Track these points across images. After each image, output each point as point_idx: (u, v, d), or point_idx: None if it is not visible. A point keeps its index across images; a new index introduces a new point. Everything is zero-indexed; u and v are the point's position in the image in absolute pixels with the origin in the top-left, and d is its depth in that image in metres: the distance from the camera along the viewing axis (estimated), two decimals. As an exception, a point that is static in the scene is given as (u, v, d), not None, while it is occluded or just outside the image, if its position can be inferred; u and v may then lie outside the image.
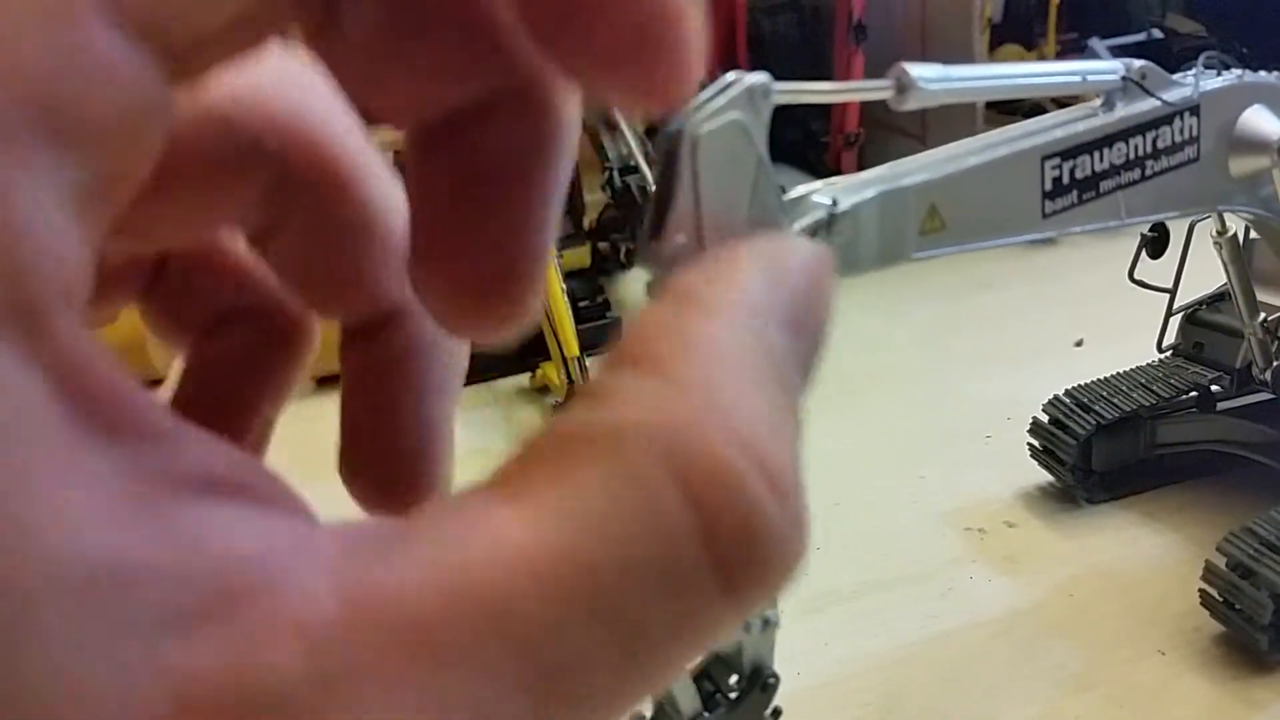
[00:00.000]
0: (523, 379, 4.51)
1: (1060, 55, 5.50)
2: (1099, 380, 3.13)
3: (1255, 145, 2.22)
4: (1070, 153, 1.99)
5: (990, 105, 5.64)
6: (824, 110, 5.34)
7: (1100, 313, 3.14)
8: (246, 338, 0.39)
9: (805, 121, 5.93)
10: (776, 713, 2.10)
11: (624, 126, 4.59)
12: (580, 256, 4.65)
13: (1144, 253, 2.78)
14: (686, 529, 0.22)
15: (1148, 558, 2.83)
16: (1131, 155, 2.08)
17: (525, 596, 0.20)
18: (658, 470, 0.22)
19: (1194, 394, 2.95)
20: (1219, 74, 2.23)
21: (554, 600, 0.20)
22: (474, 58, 0.30)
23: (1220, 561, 2.41)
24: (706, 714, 1.99)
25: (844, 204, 1.89)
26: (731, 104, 1.66)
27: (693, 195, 1.63)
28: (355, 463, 0.38)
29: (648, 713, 2.02)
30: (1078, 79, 1.98)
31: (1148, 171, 2.11)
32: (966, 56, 5.11)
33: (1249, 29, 5.58)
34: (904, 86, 1.86)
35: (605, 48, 0.27)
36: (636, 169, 4.36)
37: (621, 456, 0.22)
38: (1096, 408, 3.01)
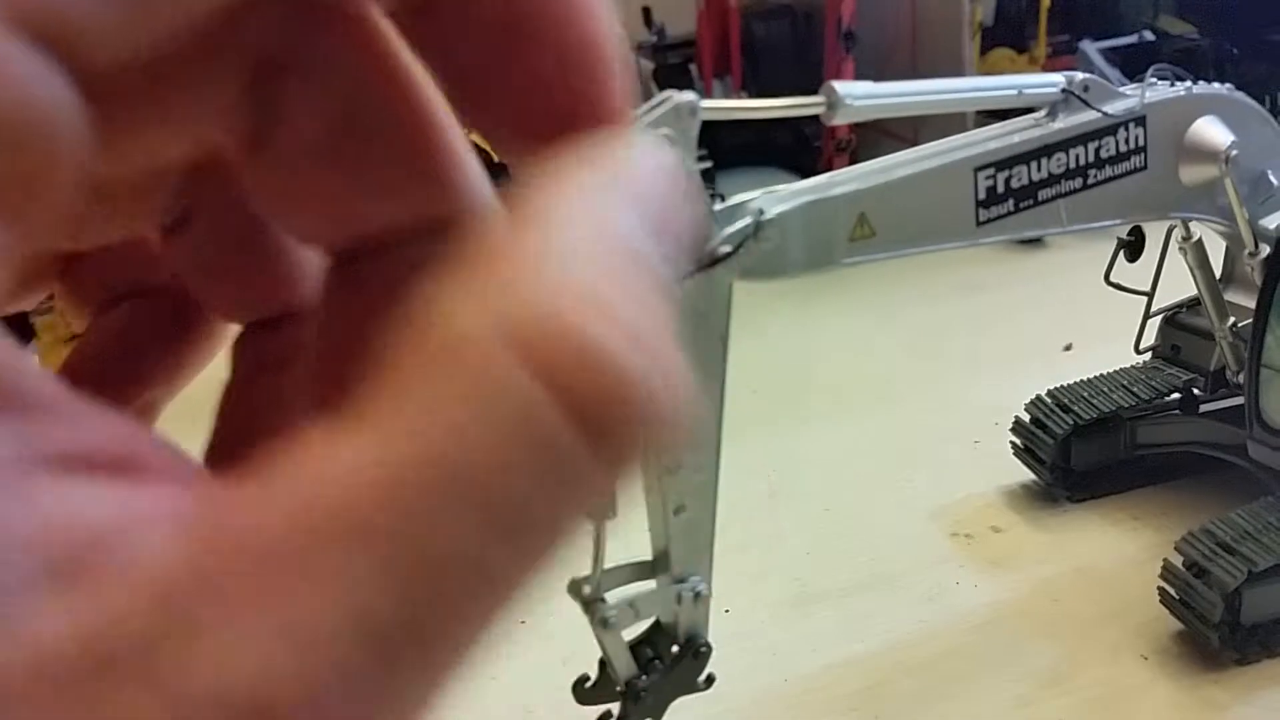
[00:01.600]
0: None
1: (1051, 58, 5.52)
2: (1081, 381, 3.17)
3: (1204, 154, 2.27)
4: (1005, 163, 2.06)
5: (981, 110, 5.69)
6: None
7: (1090, 316, 3.18)
8: (139, 316, 0.38)
9: (799, 126, 6.00)
10: (710, 679, 2.18)
11: None
12: None
13: (1122, 256, 2.82)
14: (538, 399, 0.21)
15: (1130, 558, 2.87)
16: (1072, 165, 2.15)
17: (379, 505, 0.20)
18: (496, 351, 0.21)
19: (1174, 396, 2.98)
20: (1172, 84, 2.29)
21: (414, 501, 0.20)
22: (411, 179, 0.29)
23: (1178, 560, 2.46)
24: (643, 677, 2.09)
25: (770, 212, 1.98)
26: (659, 121, 1.78)
27: None
28: (220, 455, 0.37)
29: (593, 674, 2.12)
30: (1013, 93, 2.06)
31: (1090, 180, 2.18)
32: (956, 61, 5.16)
33: (1240, 30, 5.59)
34: (833, 104, 1.94)
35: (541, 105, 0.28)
36: None
37: (459, 352, 0.21)
38: (1076, 408, 3.05)
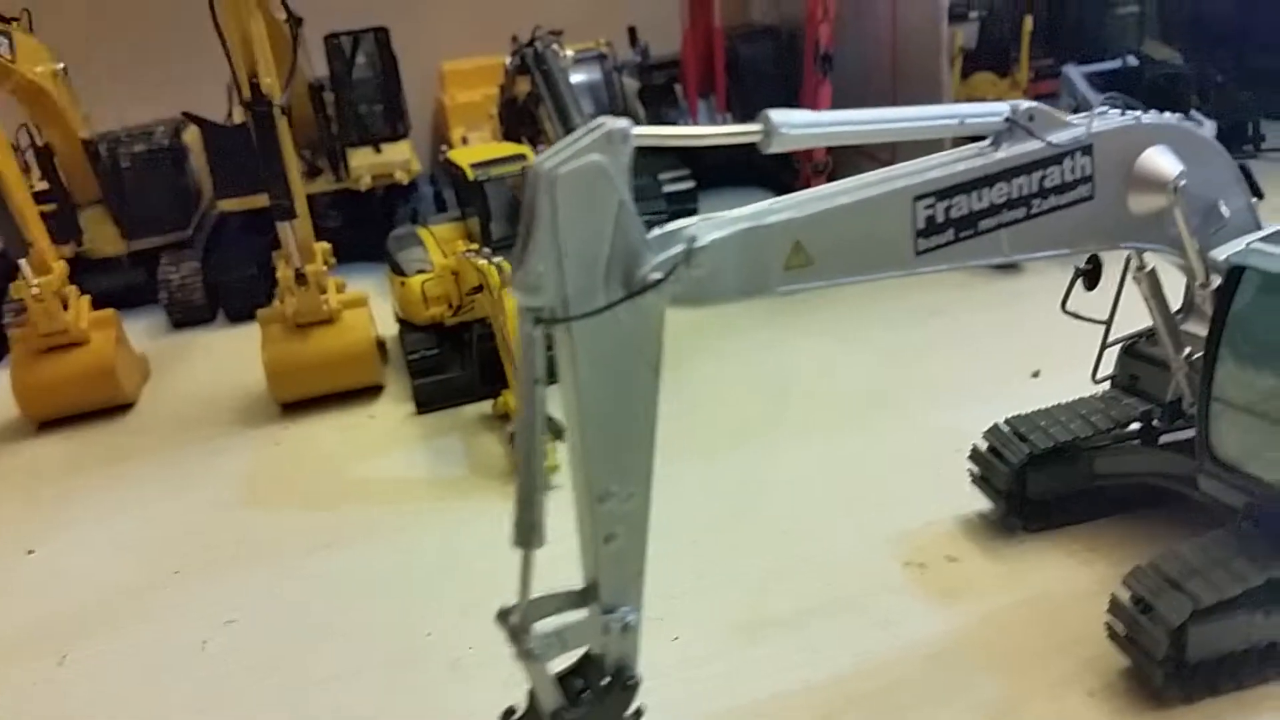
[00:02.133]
0: (484, 406, 4.60)
1: (1035, 81, 5.52)
2: (1039, 410, 3.16)
3: (1153, 184, 2.27)
4: (945, 193, 2.05)
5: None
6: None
7: (1059, 343, 3.16)
8: None
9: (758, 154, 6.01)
10: (638, 713, 2.16)
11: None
12: None
13: (1080, 284, 2.81)
14: None
15: (1081, 591, 2.85)
16: (1015, 194, 2.15)
17: None
18: None
19: (1133, 426, 2.97)
20: (1123, 113, 2.28)
21: None
22: None
23: (1125, 596, 2.44)
24: (570, 710, 2.05)
25: (703, 240, 1.97)
26: (591, 147, 1.78)
27: (552, 230, 1.75)
28: None
29: (521, 706, 2.10)
30: (954, 122, 2.05)
31: (1034, 210, 2.18)
32: (935, 85, 5.16)
33: (1224, 56, 5.58)
34: (768, 132, 1.93)
35: None
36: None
37: None
38: (1031, 437, 3.04)
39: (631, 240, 1.80)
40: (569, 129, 4.80)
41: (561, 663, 2.09)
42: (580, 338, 1.80)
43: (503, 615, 2.01)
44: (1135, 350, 2.98)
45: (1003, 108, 2.09)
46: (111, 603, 3.56)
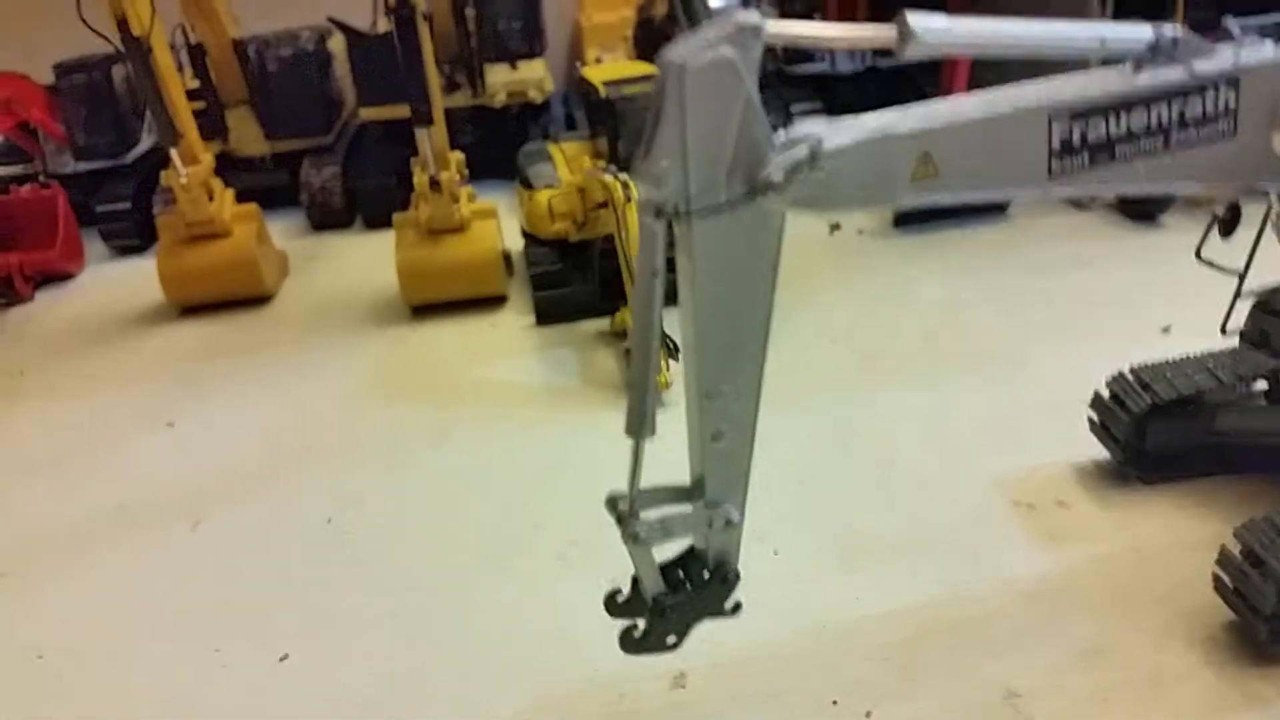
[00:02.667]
0: (602, 322, 4.69)
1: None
2: (1166, 361, 3.08)
3: (1302, 126, 2.16)
4: (1082, 114, 2.01)
5: None
6: (937, 74, 5.27)
7: (1193, 299, 3.06)
8: None
9: (920, 84, 5.88)
10: (737, 606, 2.22)
11: None
12: None
13: (1215, 232, 2.73)
14: None
15: (1191, 544, 2.79)
16: (1154, 123, 2.09)
17: None
18: None
19: (1260, 384, 2.88)
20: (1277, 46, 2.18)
21: None
22: None
23: (1235, 548, 2.39)
24: (671, 595, 2.14)
25: (829, 144, 1.97)
26: (722, 40, 1.80)
27: (679, 124, 1.79)
28: None
29: (625, 587, 2.18)
30: (1097, 42, 2.00)
31: (1172, 141, 2.12)
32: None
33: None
34: (904, 35, 1.91)
35: None
36: None
37: None
38: (1155, 387, 2.97)
39: (756, 139, 1.81)
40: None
41: (665, 555, 2.17)
42: (700, 233, 1.83)
43: (611, 502, 2.09)
44: (1269, 305, 2.87)
45: (1147, 31, 2.03)
46: (243, 476, 3.80)
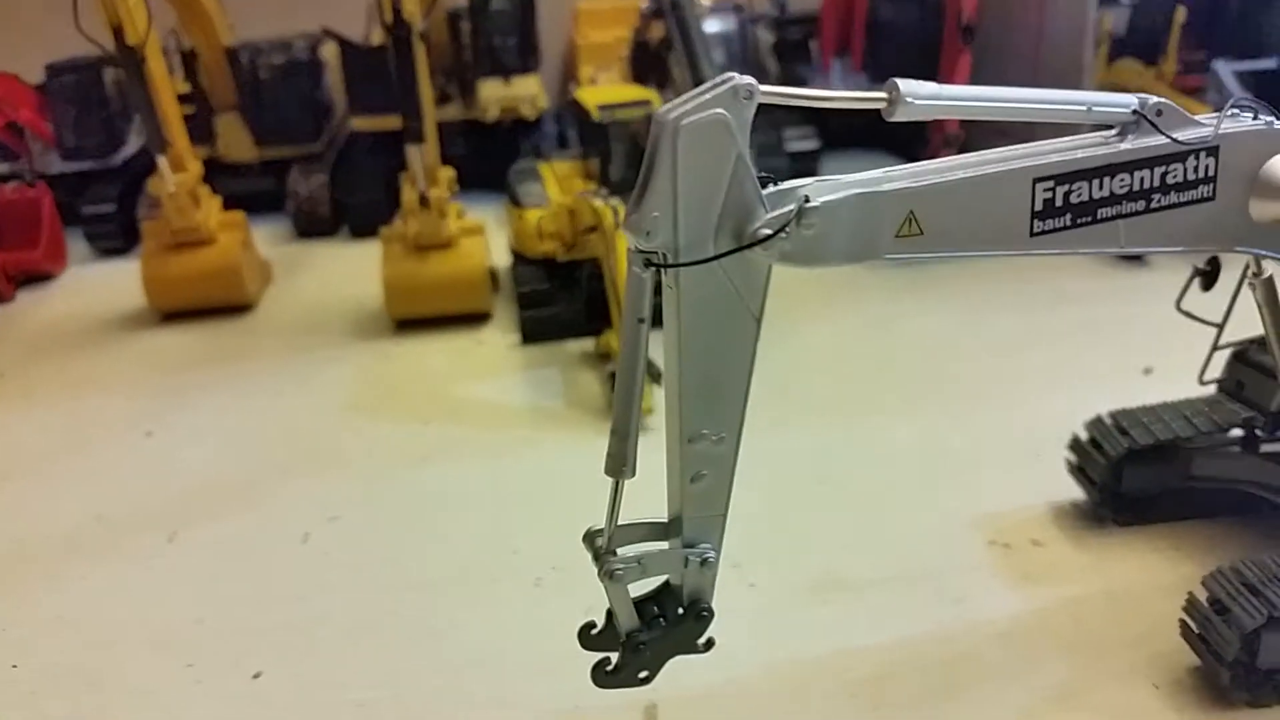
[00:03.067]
0: (588, 343, 4.71)
1: (1182, 74, 5.34)
2: (1144, 406, 3.12)
3: (1276, 192, 2.20)
4: (1066, 178, 2.04)
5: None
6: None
7: (1176, 341, 3.11)
8: None
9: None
10: (710, 642, 2.25)
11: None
12: None
13: (1196, 284, 2.76)
14: None
15: (1163, 587, 2.83)
16: (1136, 186, 2.13)
17: None
18: None
19: (1235, 431, 2.92)
20: (1255, 117, 2.22)
21: None
22: None
23: (1202, 595, 2.43)
24: (645, 631, 2.17)
25: (816, 200, 2.01)
26: (716, 101, 1.85)
27: (671, 178, 1.84)
28: None
29: (600, 619, 2.20)
30: (1083, 109, 2.04)
31: (1154, 204, 2.16)
32: (1077, 68, 5.04)
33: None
34: (893, 100, 1.96)
35: None
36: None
37: None
38: (1133, 432, 3.01)
39: (746, 195, 1.85)
40: (698, 79, 4.82)
41: (641, 589, 2.20)
42: (686, 284, 1.87)
43: (589, 537, 2.12)
44: (1245, 356, 2.92)
45: (1132, 100, 2.07)
46: (221, 489, 3.79)
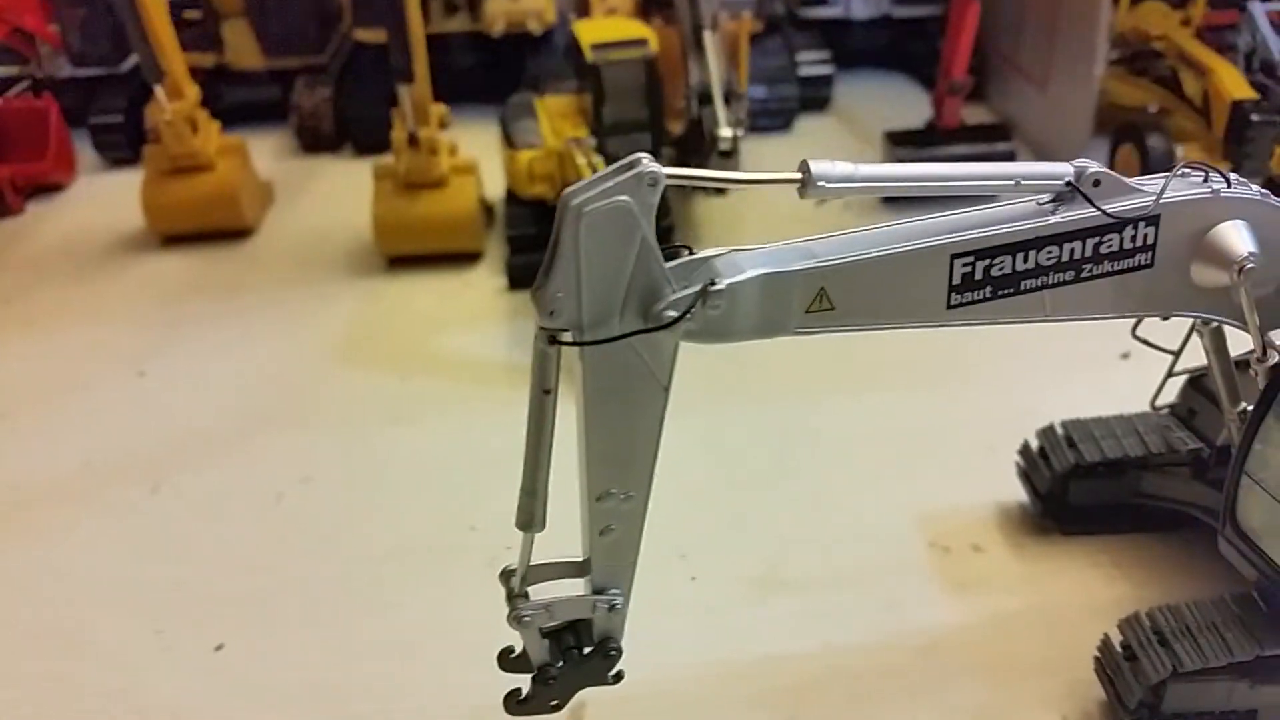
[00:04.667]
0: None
1: (1210, 16, 5.09)
2: (1096, 418, 3.12)
3: (1220, 261, 2.16)
4: (988, 252, 2.01)
5: (1117, 62, 5.33)
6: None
7: (1155, 327, 3.08)
8: None
9: (933, 37, 5.74)
10: (619, 675, 2.34)
11: (710, 52, 4.59)
12: None
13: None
14: None
15: (1095, 608, 2.87)
16: (1066, 258, 2.10)
17: None
18: None
19: (1186, 453, 2.92)
20: (1205, 180, 2.16)
21: None
22: None
23: (1116, 639, 2.48)
24: (556, 665, 2.26)
25: (721, 283, 2.02)
26: (619, 188, 1.87)
27: (574, 260, 1.88)
28: None
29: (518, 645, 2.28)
30: (1010, 183, 1.99)
31: (1084, 274, 2.13)
32: (1094, 14, 4.82)
33: None
34: (805, 181, 1.94)
35: None
36: (710, 100, 4.39)
37: None
38: (1082, 447, 3.02)
39: (652, 275, 1.85)
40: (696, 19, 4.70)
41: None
42: (591, 361, 1.89)
43: (504, 575, 2.20)
44: (1201, 384, 2.89)
45: (1066, 170, 2.01)
46: (204, 438, 3.87)
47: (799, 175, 1.87)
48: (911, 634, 2.86)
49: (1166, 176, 2.11)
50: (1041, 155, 5.31)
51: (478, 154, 5.19)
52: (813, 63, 6.27)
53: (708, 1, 4.69)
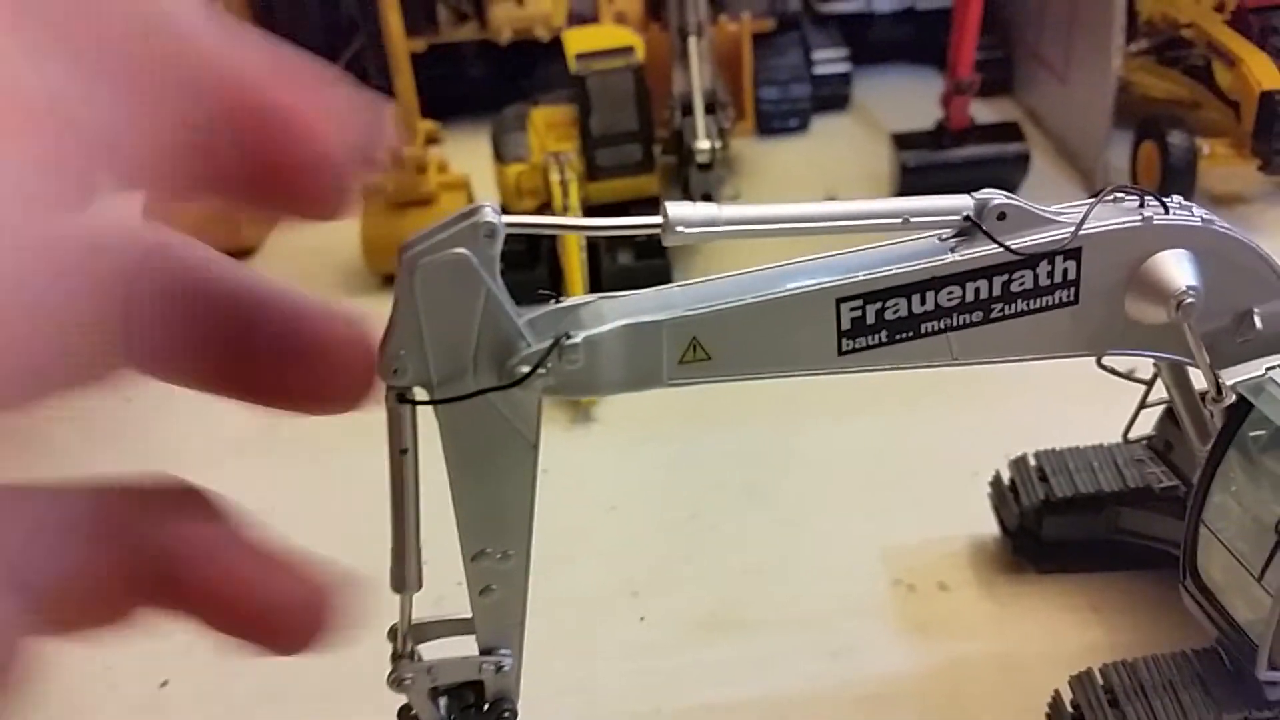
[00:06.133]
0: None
1: (1246, 0, 4.78)
2: (1072, 449, 2.92)
3: (1157, 295, 1.96)
4: (878, 295, 1.85)
5: (1145, 51, 5.03)
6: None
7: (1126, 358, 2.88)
8: None
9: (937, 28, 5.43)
10: None
11: (692, 60, 4.45)
12: (647, 183, 4.46)
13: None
14: None
15: (1062, 655, 2.67)
16: (970, 298, 1.92)
17: None
18: None
19: (1160, 490, 2.72)
20: (1141, 205, 1.96)
21: None
22: None
23: (1067, 696, 2.31)
24: None
25: (577, 335, 1.89)
26: (455, 239, 1.74)
27: (414, 316, 1.75)
28: None
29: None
30: (898, 220, 1.83)
31: (995, 314, 1.94)
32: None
33: None
34: (665, 226, 1.81)
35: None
36: (692, 111, 4.26)
37: None
38: (1054, 480, 2.84)
39: (503, 329, 1.73)
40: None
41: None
42: (448, 419, 1.78)
43: (391, 632, 2.10)
44: (1177, 415, 2.68)
45: (965, 203, 1.83)
46: (194, 460, 3.83)
47: (658, 221, 1.73)
48: (863, 682, 2.71)
49: (1089, 204, 1.92)
50: (1062, 152, 5.04)
51: (484, 167, 5.11)
52: (829, 60, 6.03)
53: (693, 6, 4.55)
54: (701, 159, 4.11)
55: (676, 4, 4.71)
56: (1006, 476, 2.98)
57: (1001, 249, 1.84)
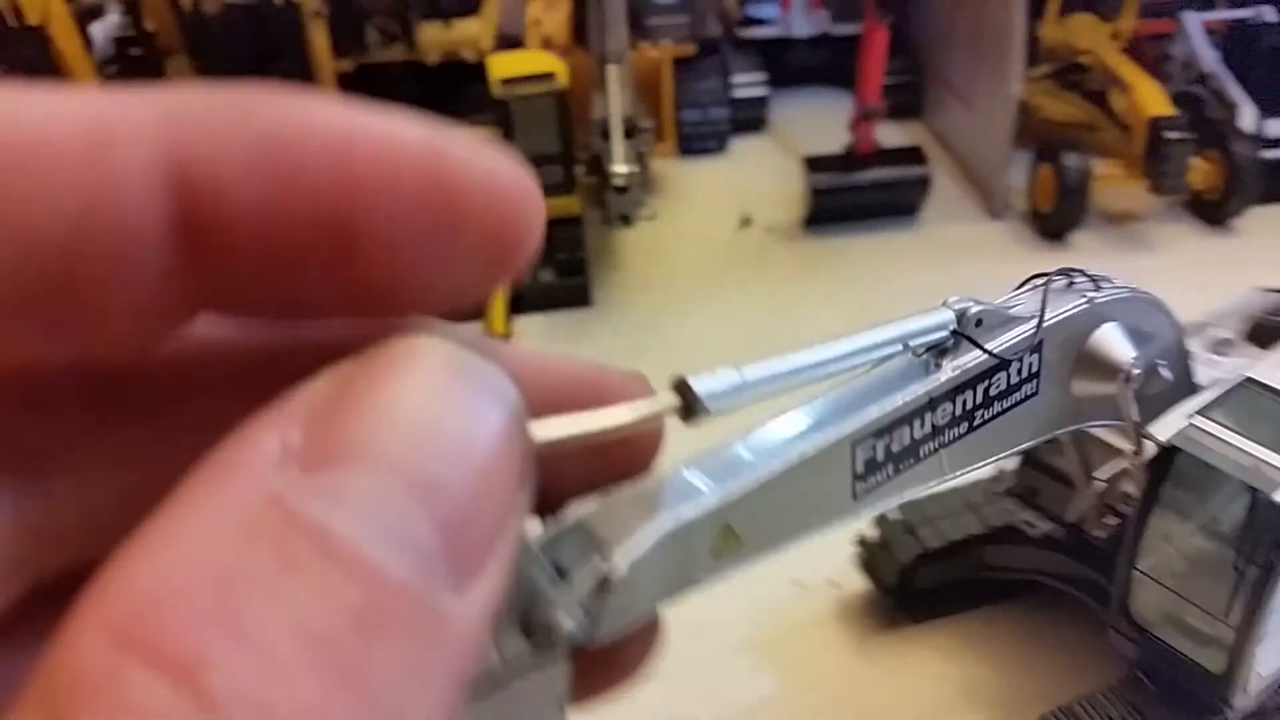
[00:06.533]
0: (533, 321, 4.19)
1: (1141, 28, 5.07)
2: (931, 498, 2.95)
3: (1104, 370, 1.96)
4: (887, 429, 1.70)
5: (1047, 76, 5.22)
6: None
7: None
8: None
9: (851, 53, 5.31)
10: None
11: (610, 85, 4.32)
12: (569, 204, 4.34)
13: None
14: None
15: (927, 707, 2.71)
16: (959, 411, 1.77)
17: None
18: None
19: (1039, 535, 2.80)
20: (1069, 285, 1.95)
21: None
22: None
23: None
24: None
25: (622, 568, 1.52)
26: None
27: None
28: None
29: None
30: (899, 345, 1.67)
31: (976, 422, 1.81)
32: (1010, 23, 4.64)
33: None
34: (691, 406, 1.48)
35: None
36: (609, 135, 4.14)
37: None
38: (922, 533, 2.85)
39: (535, 581, 1.40)
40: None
41: None
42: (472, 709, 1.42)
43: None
44: (1037, 460, 2.77)
45: (947, 317, 1.74)
46: None
47: (676, 401, 1.47)
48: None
49: (1038, 291, 1.88)
50: (967, 174, 5.14)
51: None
52: (747, 84, 5.89)
53: (612, 35, 4.41)
54: (618, 182, 4.15)
55: (597, 33, 4.49)
56: (874, 536, 2.96)
57: (987, 355, 1.77)
